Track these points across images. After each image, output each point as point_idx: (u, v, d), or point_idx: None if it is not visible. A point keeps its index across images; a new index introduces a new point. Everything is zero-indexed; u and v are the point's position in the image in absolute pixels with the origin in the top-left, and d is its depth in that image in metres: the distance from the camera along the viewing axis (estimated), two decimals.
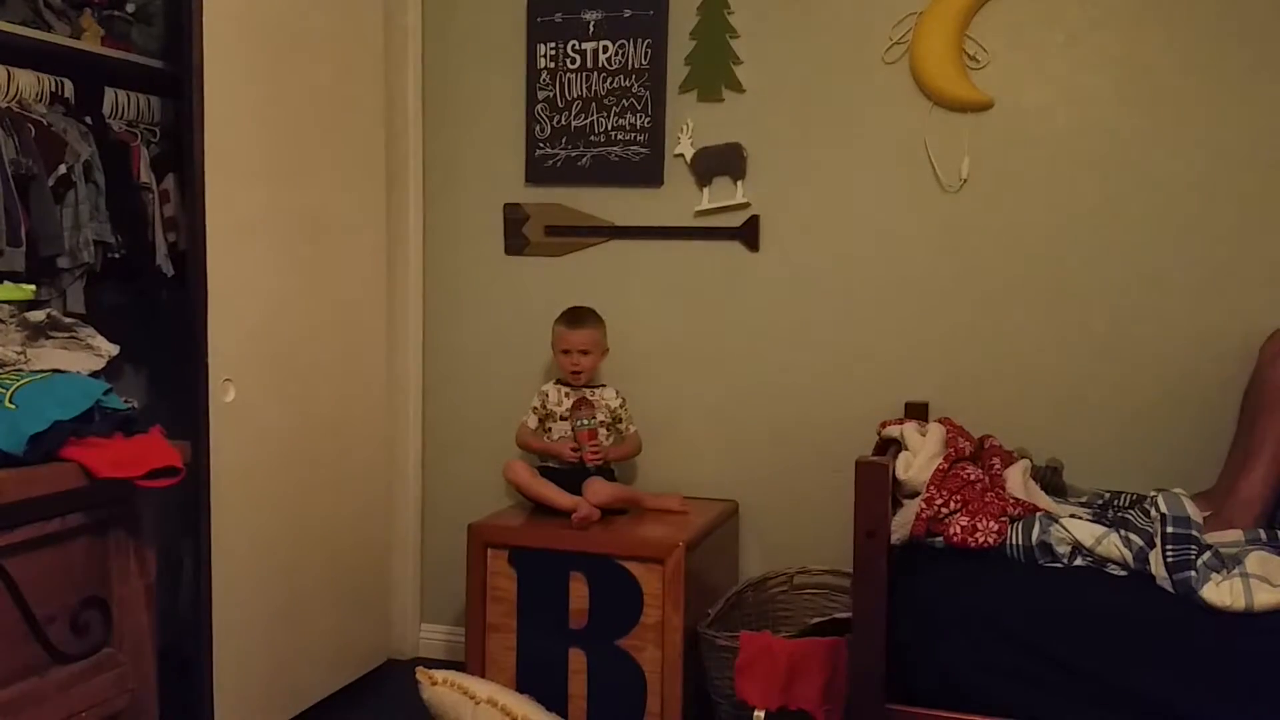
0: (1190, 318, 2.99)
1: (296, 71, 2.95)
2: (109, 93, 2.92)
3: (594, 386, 3.24)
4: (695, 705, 2.92)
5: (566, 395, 3.20)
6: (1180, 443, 2.97)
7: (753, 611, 3.10)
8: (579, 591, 2.93)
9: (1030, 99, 3.07)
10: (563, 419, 3.18)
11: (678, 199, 3.35)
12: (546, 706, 2.85)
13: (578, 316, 3.21)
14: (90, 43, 2.87)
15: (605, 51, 3.37)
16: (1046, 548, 2.41)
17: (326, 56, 3.09)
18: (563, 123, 3.42)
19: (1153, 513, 2.36)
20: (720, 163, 3.29)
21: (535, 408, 3.22)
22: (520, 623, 2.98)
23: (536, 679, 2.95)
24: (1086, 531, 2.40)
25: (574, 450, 3.13)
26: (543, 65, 3.42)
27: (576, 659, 2.94)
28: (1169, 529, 2.30)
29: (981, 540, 2.42)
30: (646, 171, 3.36)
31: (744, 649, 2.72)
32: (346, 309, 3.22)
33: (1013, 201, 3.10)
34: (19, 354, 1.91)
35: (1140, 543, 2.35)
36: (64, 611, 1.82)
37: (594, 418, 3.15)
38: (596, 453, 3.13)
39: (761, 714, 2.65)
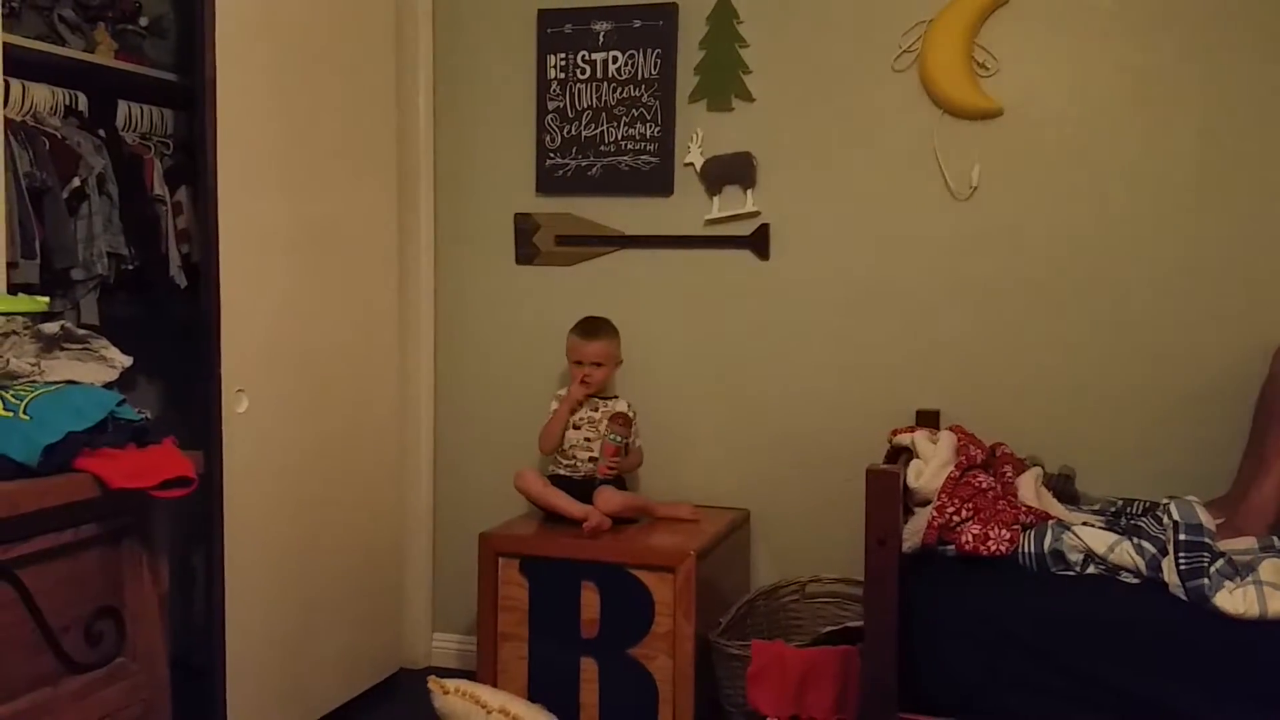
0: (1202, 325, 2.98)
1: (308, 84, 2.97)
2: (122, 105, 2.95)
3: (606, 398, 3.24)
4: (707, 714, 2.91)
5: (581, 403, 3.19)
6: (1193, 450, 2.96)
7: (764, 620, 3.10)
8: (590, 600, 2.93)
9: (1040, 106, 3.07)
10: (575, 427, 3.18)
11: (688, 208, 3.35)
12: (558, 716, 2.85)
13: (592, 328, 3.21)
14: (104, 56, 2.90)
15: (615, 62, 3.38)
16: (1059, 556, 2.41)
17: (338, 69, 3.11)
18: (573, 133, 3.43)
19: (1165, 520, 2.35)
20: (730, 172, 3.30)
21: (556, 410, 3.21)
22: (532, 632, 2.99)
23: (548, 688, 2.95)
24: (1099, 539, 2.40)
25: (583, 394, 3.14)
26: (553, 76, 3.43)
27: (588, 668, 2.94)
28: (1182, 536, 2.29)
29: (993, 548, 2.41)
30: (656, 181, 3.36)
31: (756, 658, 2.72)
32: (358, 319, 3.23)
33: (1023, 209, 3.10)
34: (33, 366, 1.92)
35: (1153, 550, 2.34)
36: (77, 622, 1.82)
37: (625, 438, 3.15)
38: (613, 468, 3.14)
39: None
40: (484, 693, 2.81)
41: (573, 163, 3.44)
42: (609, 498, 3.06)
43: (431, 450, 3.61)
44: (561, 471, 3.19)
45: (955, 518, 2.47)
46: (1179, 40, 2.96)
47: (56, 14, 2.84)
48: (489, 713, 2.75)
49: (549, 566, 2.97)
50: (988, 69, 3.09)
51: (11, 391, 1.80)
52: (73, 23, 2.87)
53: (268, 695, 2.86)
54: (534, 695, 2.95)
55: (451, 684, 2.82)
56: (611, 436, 3.12)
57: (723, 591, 3.06)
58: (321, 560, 3.07)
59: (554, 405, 3.22)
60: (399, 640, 3.53)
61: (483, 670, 3.02)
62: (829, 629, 2.89)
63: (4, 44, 2.32)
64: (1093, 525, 2.51)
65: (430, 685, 2.84)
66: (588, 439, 3.17)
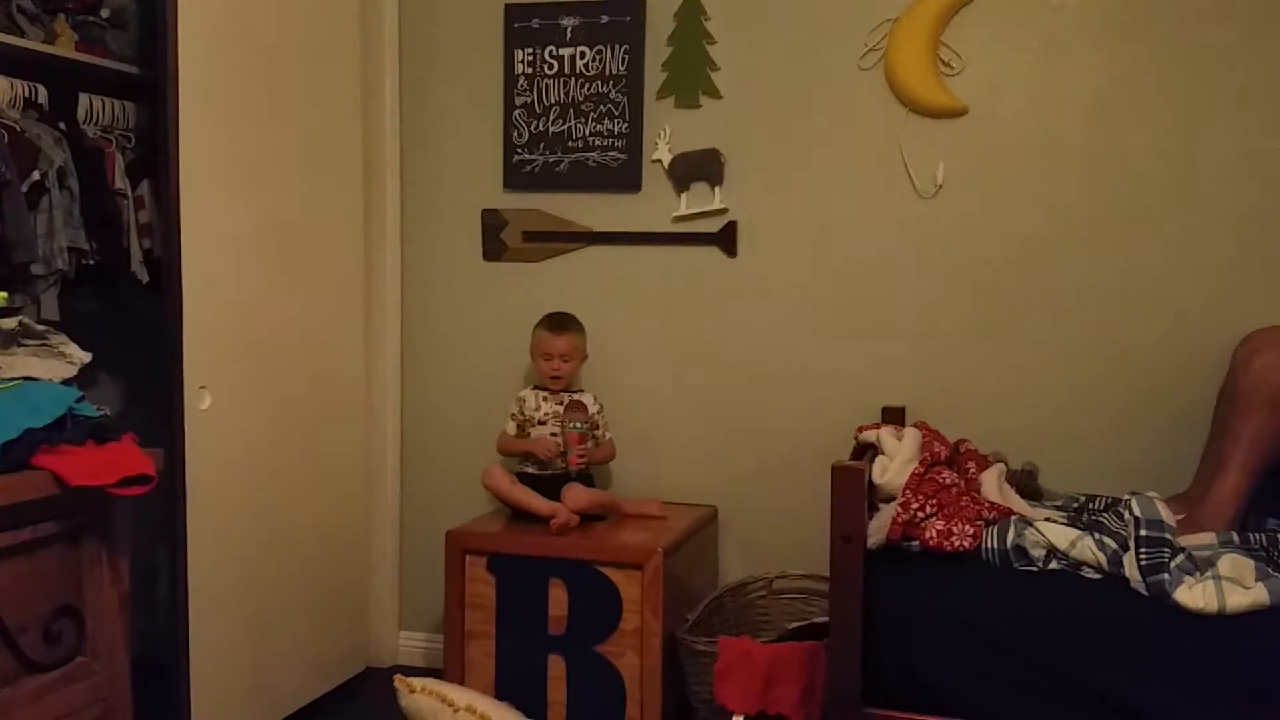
0: (1164, 322, 3.01)
1: (273, 77, 2.94)
2: (83, 98, 2.91)
3: (572, 392, 3.24)
4: (674, 710, 2.92)
5: (545, 400, 3.20)
6: (1154, 446, 2.99)
7: (731, 616, 3.10)
8: (558, 598, 2.93)
9: (1004, 105, 3.09)
10: (541, 424, 3.18)
11: (655, 205, 3.35)
12: (526, 713, 2.85)
13: (560, 322, 3.21)
14: (64, 48, 2.85)
15: (583, 57, 3.37)
16: (1021, 551, 2.43)
17: (303, 62, 3.08)
18: (540, 128, 3.42)
19: (1126, 516, 2.38)
20: (698, 168, 3.30)
21: (514, 414, 3.22)
22: (499, 629, 2.98)
23: (515, 686, 2.95)
24: (1061, 535, 2.42)
25: (558, 451, 3.12)
26: (520, 71, 3.42)
27: (556, 665, 2.94)
28: (1142, 532, 2.32)
29: (957, 544, 2.43)
30: (624, 177, 3.36)
31: (723, 654, 2.73)
32: (323, 315, 3.21)
33: (987, 207, 3.12)
34: None
35: (1114, 546, 2.37)
36: (36, 621, 1.81)
37: (586, 422, 3.15)
38: (583, 456, 3.13)
39: (740, 719, 2.66)
40: (451, 691, 2.80)
41: (540, 159, 3.43)
42: (577, 495, 3.06)
43: (398, 447, 3.59)
44: (529, 469, 3.18)
45: (919, 514, 2.48)
46: (1142, 42, 2.99)
47: (15, 4, 2.79)
48: (456, 711, 2.74)
49: (516, 564, 2.96)
50: (953, 68, 3.11)
51: None
52: (32, 13, 2.83)
53: (232, 694, 2.84)
54: (501, 693, 2.94)
55: (418, 682, 2.81)
56: (573, 425, 3.12)
57: (690, 588, 3.07)
58: (286, 558, 3.05)
59: (513, 410, 3.21)
60: (365, 638, 3.51)
61: (450, 668, 3.01)
62: (795, 625, 2.90)
63: None
64: (1055, 521, 2.54)
65: (397, 684, 2.84)
66: (554, 434, 3.16)
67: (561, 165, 3.41)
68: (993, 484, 2.69)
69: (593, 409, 3.22)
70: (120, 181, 2.92)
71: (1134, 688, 2.22)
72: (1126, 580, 2.32)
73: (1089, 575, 2.38)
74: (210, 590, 2.73)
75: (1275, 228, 2.93)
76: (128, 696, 2.00)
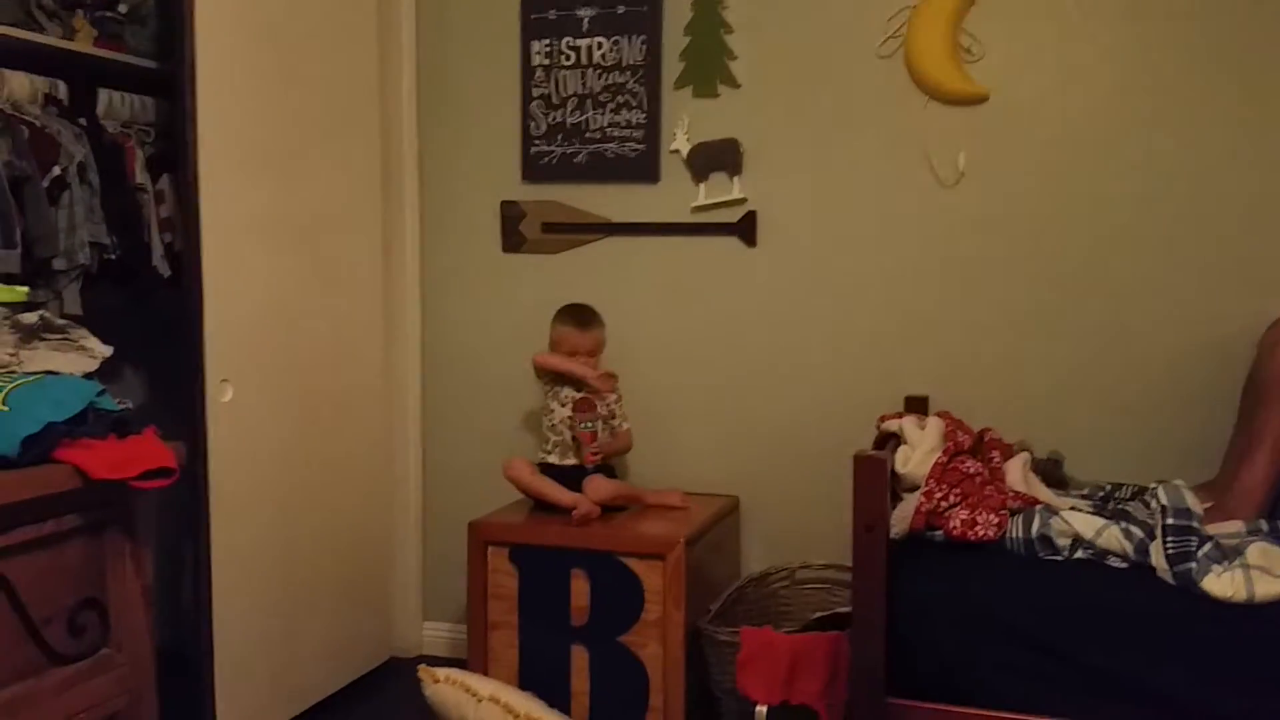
0: (1190, 308, 2.98)
1: (291, 70, 2.95)
2: (103, 93, 2.92)
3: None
4: (697, 701, 2.91)
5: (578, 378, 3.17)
6: (1181, 434, 2.96)
7: (754, 607, 3.10)
8: (580, 588, 2.93)
9: (1026, 91, 3.06)
10: (562, 405, 3.16)
11: (674, 195, 3.34)
12: (549, 703, 2.85)
13: (586, 319, 3.19)
14: (83, 44, 2.86)
15: (600, 48, 3.36)
16: (1046, 540, 2.41)
17: (321, 55, 3.09)
18: (558, 120, 3.41)
19: (1153, 504, 2.36)
20: (716, 158, 3.28)
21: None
22: (522, 620, 2.98)
23: (539, 676, 2.95)
24: (1087, 524, 2.40)
25: (598, 373, 3.10)
26: (537, 62, 3.41)
27: (578, 656, 2.94)
28: (1169, 521, 2.30)
29: (981, 533, 2.41)
30: (642, 168, 3.35)
31: (745, 644, 2.72)
32: (344, 308, 3.22)
33: (1010, 194, 3.09)
34: (11, 356, 1.91)
35: (1141, 535, 2.35)
36: (61, 613, 1.81)
37: (596, 421, 3.14)
38: (596, 453, 3.12)
39: (763, 709, 2.65)
40: (474, 681, 2.81)
41: (558, 150, 3.42)
42: (598, 486, 3.05)
43: (420, 438, 3.60)
44: (551, 460, 3.17)
45: (943, 503, 2.47)
46: (1164, 25, 2.96)
47: (34, 1, 2.81)
48: (479, 701, 2.75)
49: (538, 555, 2.96)
50: (973, 54, 3.08)
51: None
52: (50, 9, 2.83)
53: (257, 685, 2.86)
54: (524, 683, 2.95)
55: (442, 672, 2.82)
56: (584, 425, 3.10)
57: (712, 579, 3.06)
58: (310, 549, 3.06)
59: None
60: (389, 629, 3.52)
61: (473, 659, 3.02)
62: (818, 615, 2.89)
63: None
64: (1080, 510, 2.52)
65: (421, 674, 2.85)
66: (571, 417, 3.14)
67: (579, 156, 3.40)
68: (1017, 473, 2.67)
69: (610, 400, 3.20)
70: (141, 176, 2.93)
71: (1160, 677, 2.20)
72: (1153, 569, 2.30)
73: (1115, 564, 2.36)
74: (233, 581, 2.75)
75: None
76: (153, 688, 2.01)
